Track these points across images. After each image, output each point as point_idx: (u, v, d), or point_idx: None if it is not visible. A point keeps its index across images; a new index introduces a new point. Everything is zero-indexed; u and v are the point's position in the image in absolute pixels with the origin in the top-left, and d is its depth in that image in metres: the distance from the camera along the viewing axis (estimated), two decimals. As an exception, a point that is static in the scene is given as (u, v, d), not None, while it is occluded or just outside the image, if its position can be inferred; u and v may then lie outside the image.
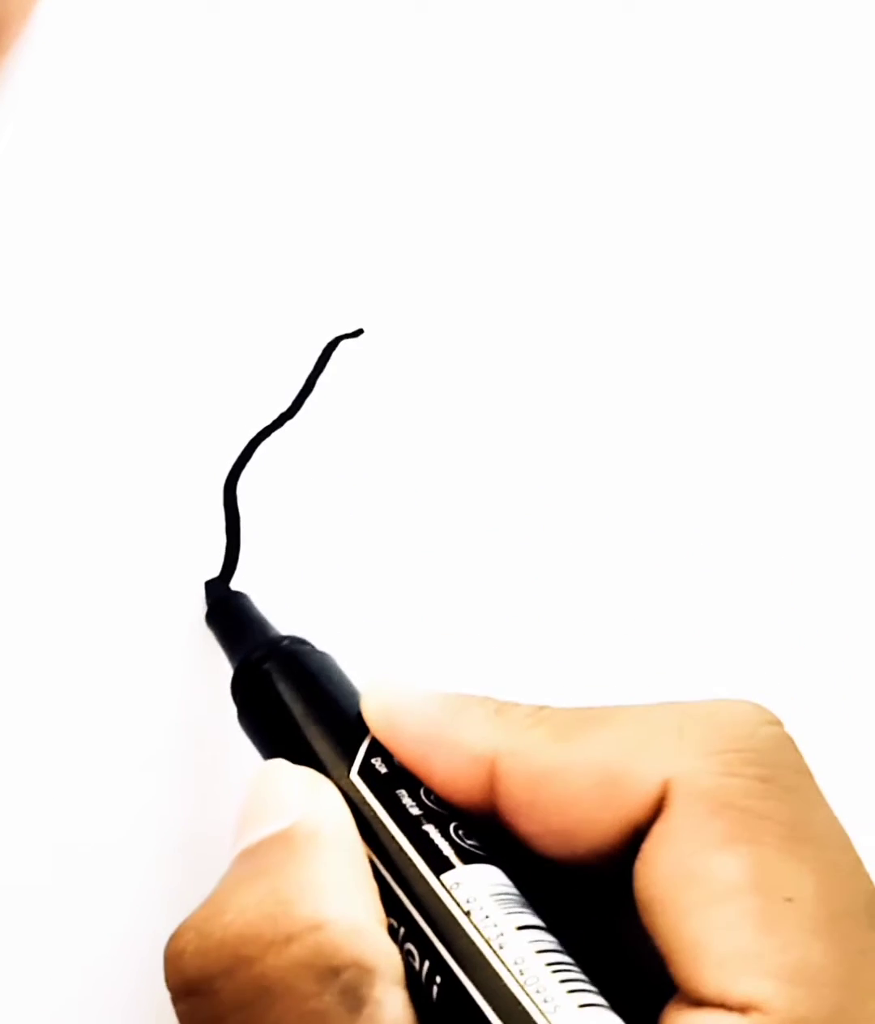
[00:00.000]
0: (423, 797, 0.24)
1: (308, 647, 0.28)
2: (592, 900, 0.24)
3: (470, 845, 0.23)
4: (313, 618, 0.34)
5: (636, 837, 0.22)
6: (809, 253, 0.40)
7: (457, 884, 0.22)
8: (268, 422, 0.36)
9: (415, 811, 0.24)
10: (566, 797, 0.23)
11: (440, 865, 0.23)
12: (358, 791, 0.24)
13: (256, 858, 0.23)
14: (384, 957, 0.21)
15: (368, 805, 0.24)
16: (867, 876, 0.22)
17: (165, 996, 0.22)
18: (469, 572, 0.35)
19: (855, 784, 0.33)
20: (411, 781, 0.24)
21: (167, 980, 0.22)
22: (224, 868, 0.23)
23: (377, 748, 0.25)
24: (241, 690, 0.28)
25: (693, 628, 0.35)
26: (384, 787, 0.24)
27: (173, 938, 0.22)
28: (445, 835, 0.23)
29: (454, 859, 0.23)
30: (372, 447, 0.37)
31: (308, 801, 0.24)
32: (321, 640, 0.34)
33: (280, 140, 0.40)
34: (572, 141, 0.41)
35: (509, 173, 0.40)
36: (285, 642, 0.28)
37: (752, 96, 0.42)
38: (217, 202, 0.39)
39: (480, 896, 0.22)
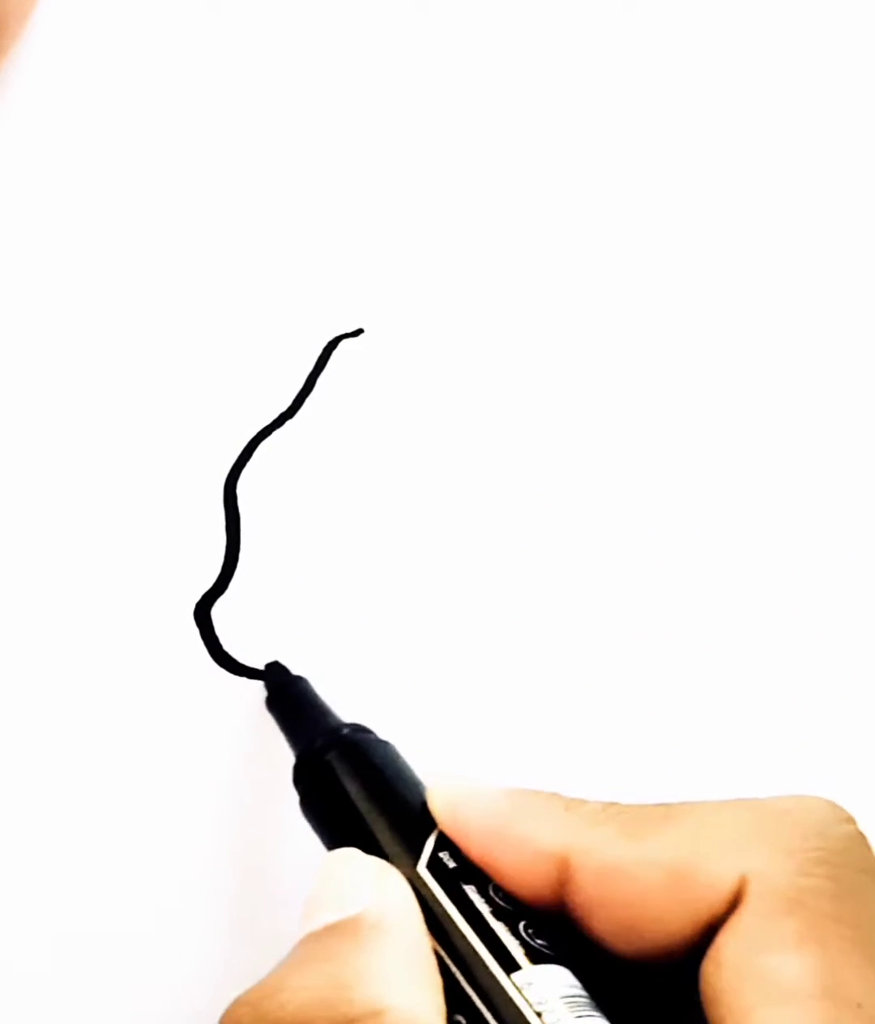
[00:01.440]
0: (492, 894, 0.24)
1: (371, 736, 0.28)
2: (658, 997, 0.24)
3: (540, 944, 0.23)
4: (312, 618, 0.34)
5: (706, 934, 0.22)
6: (810, 253, 0.40)
7: (529, 984, 0.22)
8: (268, 422, 0.36)
9: (484, 908, 0.23)
10: (637, 893, 0.23)
11: (510, 964, 0.22)
12: (426, 885, 0.24)
13: (319, 943, 0.23)
14: None
15: (436, 900, 0.24)
16: None
17: None
18: (468, 575, 0.35)
19: None
20: (479, 877, 0.24)
21: None
22: (275, 948, 0.23)
23: (444, 842, 0.25)
24: (304, 780, 0.28)
25: (710, 636, 0.35)
26: (452, 882, 0.24)
27: (228, 1011, 0.22)
28: (515, 933, 0.23)
29: (524, 959, 0.23)
30: (372, 447, 0.37)
31: (376, 890, 0.24)
32: (319, 642, 0.34)
33: (280, 140, 0.40)
34: (572, 141, 0.41)
35: (509, 173, 0.40)
36: (347, 731, 0.28)
37: (753, 96, 0.42)
38: (217, 202, 0.39)
39: (551, 998, 0.22)
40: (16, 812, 0.32)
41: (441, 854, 0.24)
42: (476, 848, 0.24)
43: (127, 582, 0.34)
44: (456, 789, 0.25)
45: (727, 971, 0.21)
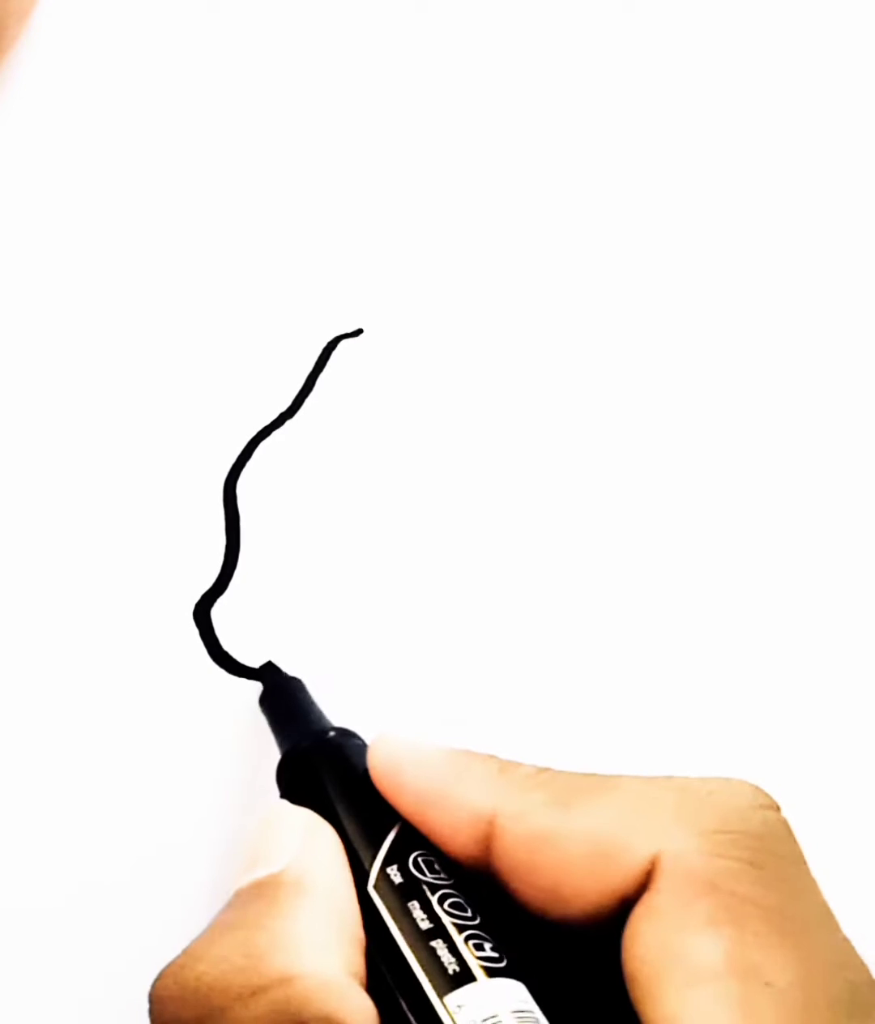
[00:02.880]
0: (438, 905, 0.24)
1: (355, 741, 0.28)
2: (586, 962, 0.24)
3: (488, 958, 0.23)
4: (311, 618, 0.34)
5: (623, 908, 0.22)
6: (809, 253, 0.40)
7: (460, 1006, 0.22)
8: (268, 422, 0.36)
9: (424, 925, 0.23)
10: (559, 863, 0.23)
11: (451, 981, 0.22)
12: (371, 903, 0.24)
13: (243, 903, 0.23)
14: (356, 1012, 0.21)
15: (379, 919, 0.24)
16: (856, 968, 0.22)
17: None
18: (468, 575, 0.35)
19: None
20: (432, 886, 0.24)
21: (151, 1022, 0.23)
22: None
23: (396, 852, 0.25)
24: (285, 779, 0.28)
25: (699, 644, 0.35)
26: (397, 898, 0.24)
27: (156, 981, 0.23)
28: (456, 948, 0.23)
29: (474, 973, 0.22)
30: (372, 447, 0.37)
31: (300, 846, 0.24)
32: (317, 642, 0.34)
33: (280, 140, 0.40)
34: (572, 141, 0.41)
35: (509, 173, 0.40)
36: (332, 734, 0.28)
37: (752, 96, 0.42)
38: (217, 202, 0.39)
39: (502, 1011, 0.22)
40: (14, 810, 0.32)
41: (390, 868, 0.24)
42: (409, 806, 0.25)
43: (127, 582, 0.34)
44: (395, 747, 0.25)
45: (640, 949, 0.22)
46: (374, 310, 0.38)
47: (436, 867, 0.24)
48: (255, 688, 0.33)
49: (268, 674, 0.32)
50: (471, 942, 0.23)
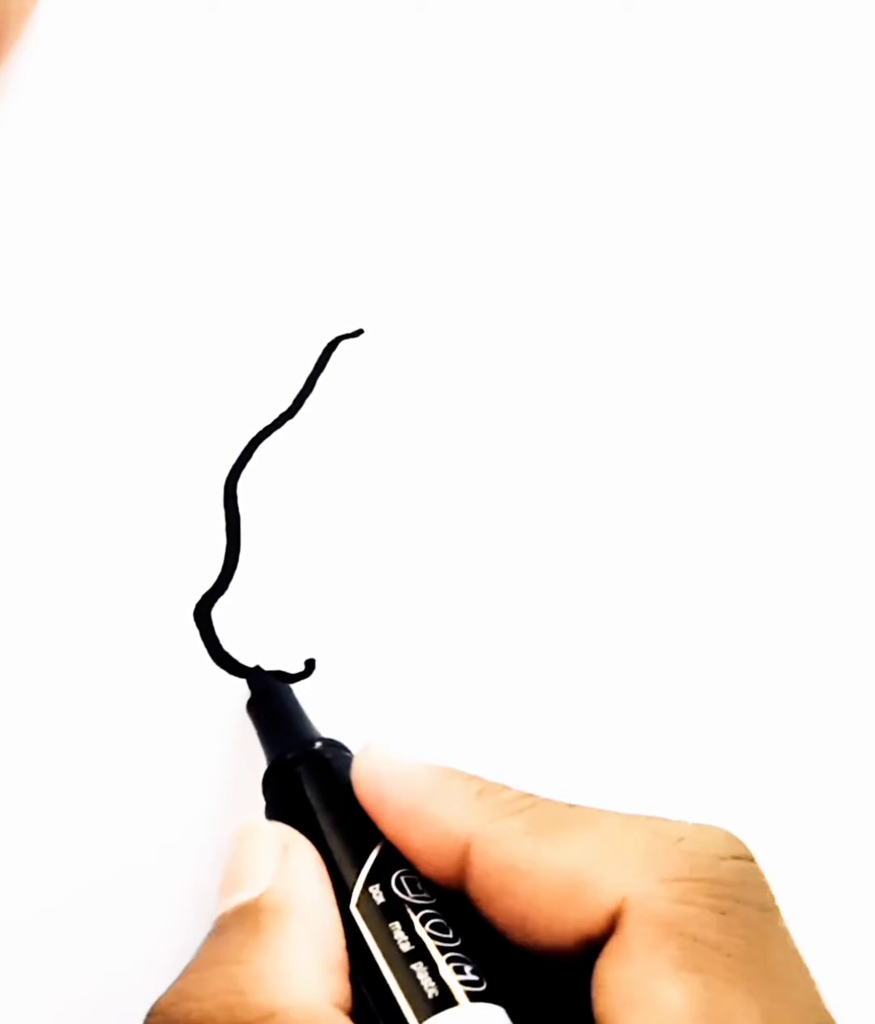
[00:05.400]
0: (419, 927, 0.23)
1: (343, 753, 0.28)
2: (559, 989, 0.23)
3: (466, 981, 0.22)
4: (312, 618, 0.35)
5: (589, 946, 0.22)
6: (809, 254, 0.40)
7: None
8: (268, 422, 0.36)
9: (405, 946, 0.23)
10: (530, 894, 0.23)
11: (431, 1004, 0.22)
12: (353, 921, 0.24)
13: (225, 932, 0.23)
14: None
15: (360, 938, 0.23)
16: (823, 1017, 0.22)
17: None
18: (468, 575, 0.35)
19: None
20: (415, 906, 0.24)
21: None
22: None
23: (379, 871, 0.24)
24: (271, 789, 0.28)
25: (700, 639, 0.35)
26: (378, 918, 0.23)
27: (147, 1017, 0.23)
28: (436, 972, 0.22)
29: (456, 996, 0.22)
30: (372, 447, 0.37)
31: (278, 868, 0.24)
32: (318, 643, 0.34)
33: (280, 140, 0.40)
34: (572, 141, 0.41)
35: (509, 173, 0.40)
36: (319, 745, 0.28)
37: (752, 96, 0.42)
38: (217, 202, 0.39)
39: None
40: (13, 810, 0.32)
41: (372, 887, 0.24)
42: (390, 823, 0.24)
43: (127, 582, 0.34)
44: (379, 761, 0.25)
45: (607, 991, 0.21)
46: (374, 310, 0.38)
47: (418, 886, 0.24)
48: None
49: (255, 678, 0.32)
50: (452, 964, 0.23)
